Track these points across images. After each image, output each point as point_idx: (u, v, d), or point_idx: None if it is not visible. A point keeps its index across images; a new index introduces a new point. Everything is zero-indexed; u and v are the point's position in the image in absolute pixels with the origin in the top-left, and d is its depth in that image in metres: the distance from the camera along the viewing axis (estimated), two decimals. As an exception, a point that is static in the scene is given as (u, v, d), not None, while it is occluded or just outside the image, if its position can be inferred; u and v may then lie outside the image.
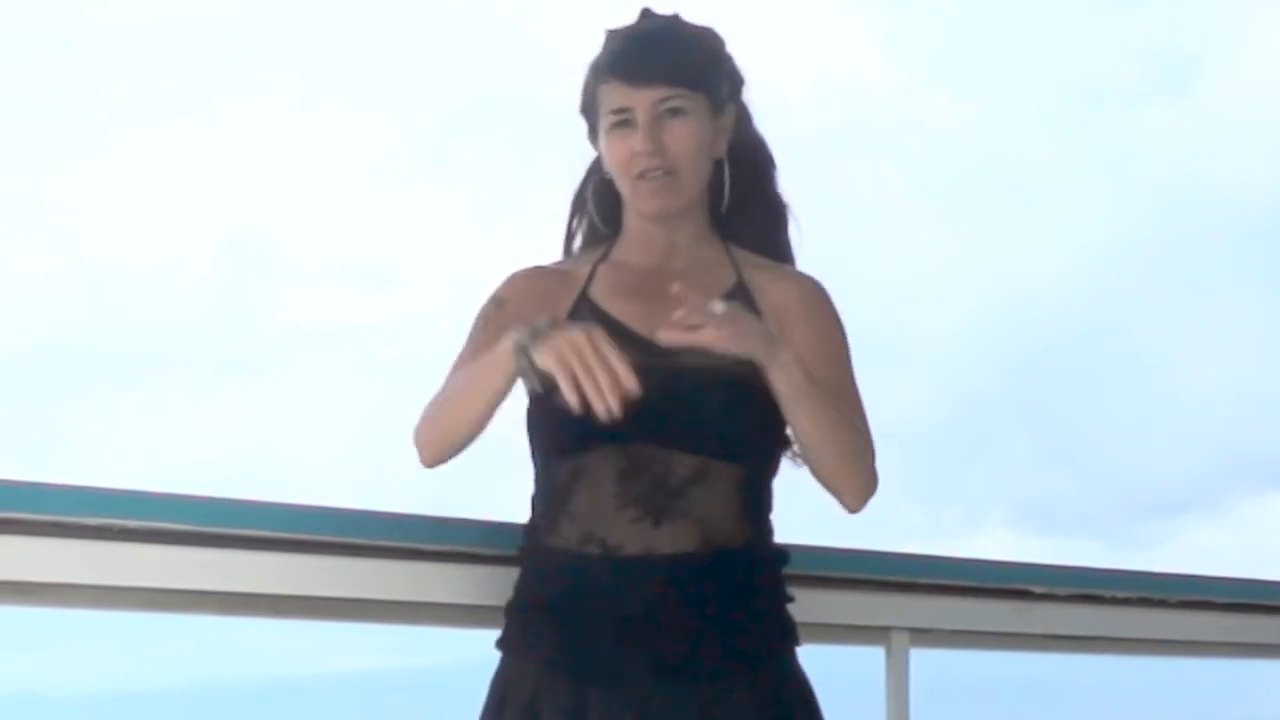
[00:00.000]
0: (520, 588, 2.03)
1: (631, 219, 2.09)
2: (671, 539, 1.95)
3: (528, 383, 1.88)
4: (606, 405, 1.78)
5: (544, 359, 1.81)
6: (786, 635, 2.04)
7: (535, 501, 2.05)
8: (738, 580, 1.99)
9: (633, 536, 1.94)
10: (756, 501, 2.03)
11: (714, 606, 1.96)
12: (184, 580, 2.02)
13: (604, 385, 1.78)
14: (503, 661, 2.02)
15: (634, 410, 1.91)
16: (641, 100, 1.99)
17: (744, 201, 2.10)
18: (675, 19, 2.07)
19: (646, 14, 2.07)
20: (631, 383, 1.78)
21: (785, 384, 1.93)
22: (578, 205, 2.16)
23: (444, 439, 1.98)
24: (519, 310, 2.00)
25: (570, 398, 1.79)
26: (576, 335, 1.80)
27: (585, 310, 2.03)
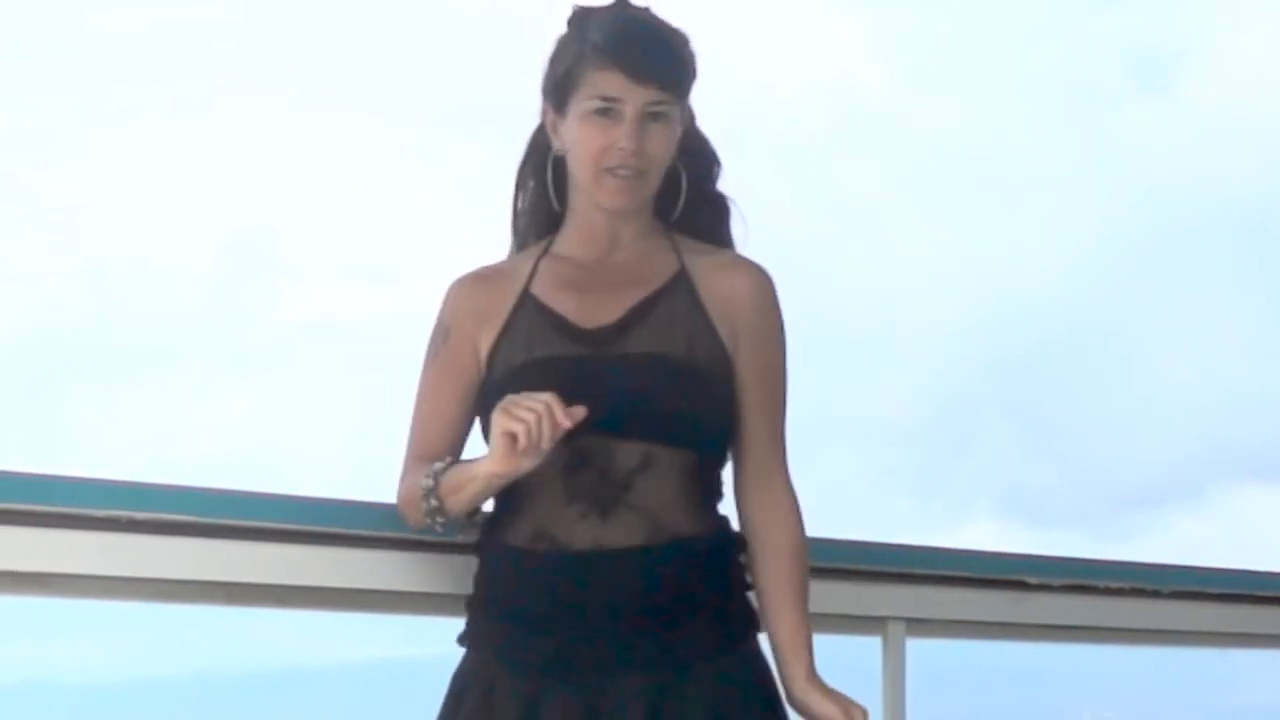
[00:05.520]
0: (477, 583, 2.05)
1: (580, 204, 2.07)
2: (620, 533, 1.95)
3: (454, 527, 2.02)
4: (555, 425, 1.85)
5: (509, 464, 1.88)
6: (747, 623, 2.04)
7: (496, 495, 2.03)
8: (690, 570, 1.98)
9: (581, 532, 1.95)
10: (708, 489, 2.04)
11: (665, 597, 1.96)
12: (191, 571, 2.05)
13: (544, 429, 1.85)
14: (465, 656, 2.03)
15: (574, 400, 1.91)
16: (636, 97, 1.98)
17: (687, 197, 2.09)
18: (649, 13, 2.05)
19: (623, 4, 2.04)
20: (560, 413, 1.85)
21: None
22: (522, 183, 2.14)
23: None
24: (463, 334, 2.05)
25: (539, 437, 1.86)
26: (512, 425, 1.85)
27: (528, 305, 2.04)
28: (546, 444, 1.85)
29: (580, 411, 1.85)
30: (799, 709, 2.01)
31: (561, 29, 2.06)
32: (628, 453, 1.97)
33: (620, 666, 1.94)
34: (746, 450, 2.06)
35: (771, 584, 2.03)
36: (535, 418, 1.83)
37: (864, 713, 2.00)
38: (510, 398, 1.87)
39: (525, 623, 1.97)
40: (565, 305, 2.03)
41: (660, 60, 2.00)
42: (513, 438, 1.85)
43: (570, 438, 1.89)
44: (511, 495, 1.99)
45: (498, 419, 1.86)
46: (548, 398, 1.84)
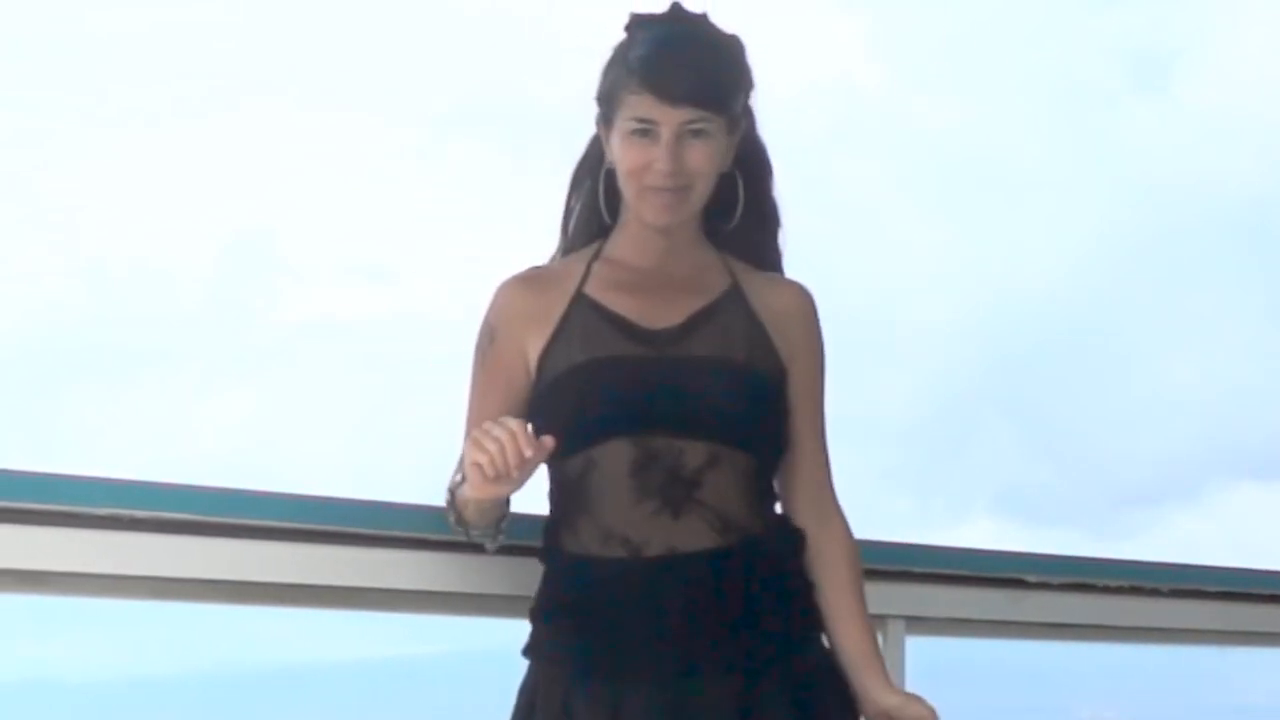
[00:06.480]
0: (544, 593, 2.04)
1: (631, 216, 2.08)
2: (692, 533, 1.97)
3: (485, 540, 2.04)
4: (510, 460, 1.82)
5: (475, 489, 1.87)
6: (817, 619, 2.06)
7: (551, 497, 2.05)
8: (764, 568, 2.01)
9: (654, 533, 1.96)
10: (765, 491, 2.06)
11: (743, 598, 1.98)
12: (192, 569, 2.05)
13: (508, 458, 1.82)
14: (530, 668, 2.03)
15: (644, 400, 1.96)
16: (669, 118, 1.98)
17: (739, 205, 2.09)
18: (704, 22, 2.04)
19: (676, 8, 2.04)
20: (523, 442, 1.83)
21: None
22: (577, 183, 2.15)
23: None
24: (510, 336, 2.04)
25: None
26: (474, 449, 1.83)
27: (582, 306, 2.04)
28: (514, 472, 1.84)
29: (549, 442, 1.84)
30: (879, 714, 2.03)
31: (618, 34, 2.04)
32: (696, 452, 1.98)
33: (703, 668, 1.95)
34: (798, 462, 2.08)
35: (833, 592, 2.06)
36: (498, 447, 1.82)
37: (933, 712, 2.02)
38: (485, 424, 1.86)
39: (601, 631, 1.97)
40: (624, 306, 2.04)
41: (695, 80, 1.98)
42: (480, 467, 1.84)
43: (636, 436, 1.94)
44: (574, 499, 2.00)
45: (466, 448, 1.86)
46: (514, 425, 1.83)
